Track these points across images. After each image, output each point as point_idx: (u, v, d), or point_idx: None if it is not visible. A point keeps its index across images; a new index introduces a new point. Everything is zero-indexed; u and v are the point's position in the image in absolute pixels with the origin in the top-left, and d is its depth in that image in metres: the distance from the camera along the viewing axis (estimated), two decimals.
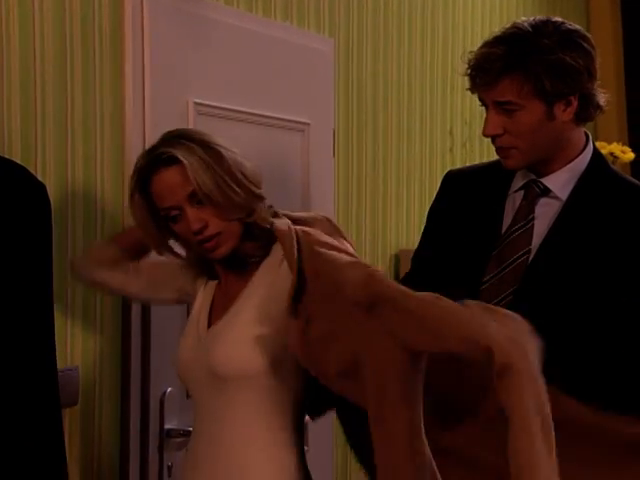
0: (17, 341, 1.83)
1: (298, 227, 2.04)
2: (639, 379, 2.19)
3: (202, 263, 2.14)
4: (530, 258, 2.23)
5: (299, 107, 3.20)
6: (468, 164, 3.40)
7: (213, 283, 2.16)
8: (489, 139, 2.25)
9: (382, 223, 3.68)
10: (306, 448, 2.16)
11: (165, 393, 2.67)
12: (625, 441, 1.98)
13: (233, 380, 2.01)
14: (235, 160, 2.03)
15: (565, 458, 1.78)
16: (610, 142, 4.59)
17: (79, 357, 2.48)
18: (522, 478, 1.73)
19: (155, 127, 2.57)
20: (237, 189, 2.00)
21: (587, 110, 2.21)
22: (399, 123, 3.75)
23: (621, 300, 2.18)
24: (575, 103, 2.18)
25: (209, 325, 2.10)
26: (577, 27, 2.23)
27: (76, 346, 2.47)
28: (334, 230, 2.14)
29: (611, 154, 4.42)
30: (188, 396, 2.13)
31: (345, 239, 2.14)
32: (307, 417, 2.16)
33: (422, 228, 2.50)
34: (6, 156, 2.07)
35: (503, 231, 2.28)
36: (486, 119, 2.22)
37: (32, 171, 1.96)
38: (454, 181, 2.45)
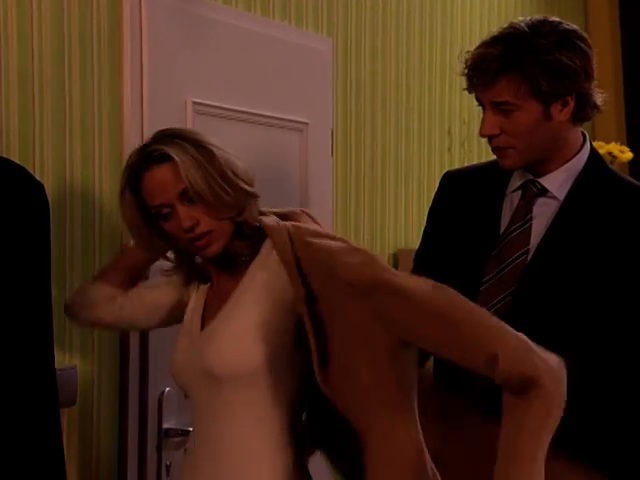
0: (15, 341, 1.82)
1: (287, 222, 2.04)
2: (638, 379, 2.20)
3: (192, 267, 2.14)
4: (528, 258, 2.23)
5: (297, 107, 3.20)
6: (466, 164, 3.41)
7: (205, 287, 2.15)
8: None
9: (380, 222, 3.68)
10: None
11: (163, 393, 2.67)
12: None
13: (228, 380, 2.01)
14: (227, 159, 2.02)
15: None
16: (608, 142, 4.59)
17: (77, 356, 2.48)
18: None
19: (153, 126, 2.55)
20: (228, 188, 1.99)
21: (584, 110, 2.21)
22: (397, 123, 3.75)
23: (619, 299, 2.18)
24: (572, 103, 2.18)
25: (202, 327, 2.10)
26: (574, 27, 2.22)
27: (74, 345, 2.47)
28: (314, 223, 2.13)
29: (609, 154, 4.41)
30: (186, 396, 2.13)
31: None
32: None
33: (421, 228, 2.51)
34: (4, 155, 2.07)
35: (501, 231, 2.29)
36: (483, 119, 2.22)
37: (30, 171, 1.95)
38: (452, 181, 2.46)
